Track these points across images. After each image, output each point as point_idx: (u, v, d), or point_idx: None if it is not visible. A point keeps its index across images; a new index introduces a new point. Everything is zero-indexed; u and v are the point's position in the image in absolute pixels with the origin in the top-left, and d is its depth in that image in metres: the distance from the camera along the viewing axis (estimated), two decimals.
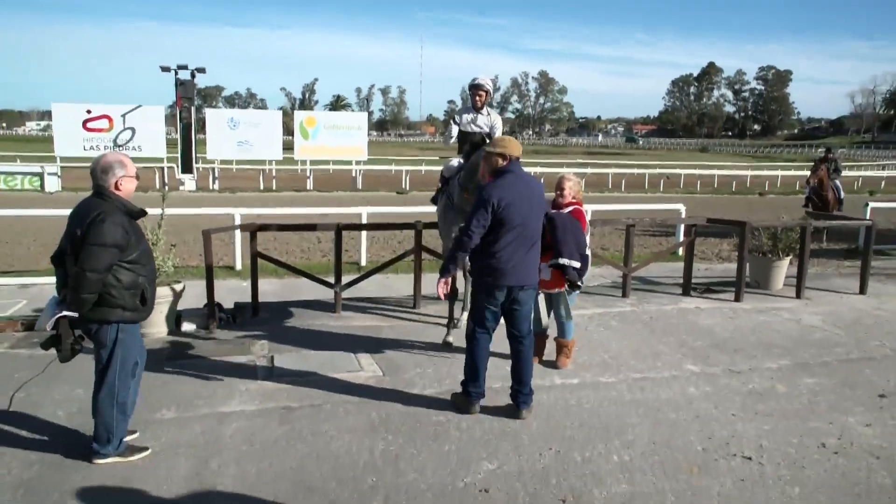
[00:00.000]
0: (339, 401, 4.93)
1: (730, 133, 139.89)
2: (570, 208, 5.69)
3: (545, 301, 5.77)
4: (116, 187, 3.91)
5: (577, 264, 5.34)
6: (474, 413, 4.71)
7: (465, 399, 4.78)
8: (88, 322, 3.88)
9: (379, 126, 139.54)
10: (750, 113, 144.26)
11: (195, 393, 5.04)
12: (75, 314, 3.79)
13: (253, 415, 4.66)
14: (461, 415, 4.72)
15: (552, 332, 5.94)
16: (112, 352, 3.93)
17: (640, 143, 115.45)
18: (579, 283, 5.58)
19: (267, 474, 3.86)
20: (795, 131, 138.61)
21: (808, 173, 16.79)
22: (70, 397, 4.91)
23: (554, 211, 5.54)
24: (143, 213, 4.04)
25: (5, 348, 6.14)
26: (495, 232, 4.48)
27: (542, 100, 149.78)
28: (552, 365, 5.81)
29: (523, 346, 4.74)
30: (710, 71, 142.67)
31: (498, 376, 5.16)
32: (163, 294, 6.51)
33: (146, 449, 4.08)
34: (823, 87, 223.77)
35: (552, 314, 5.88)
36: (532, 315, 4.88)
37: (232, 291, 8.51)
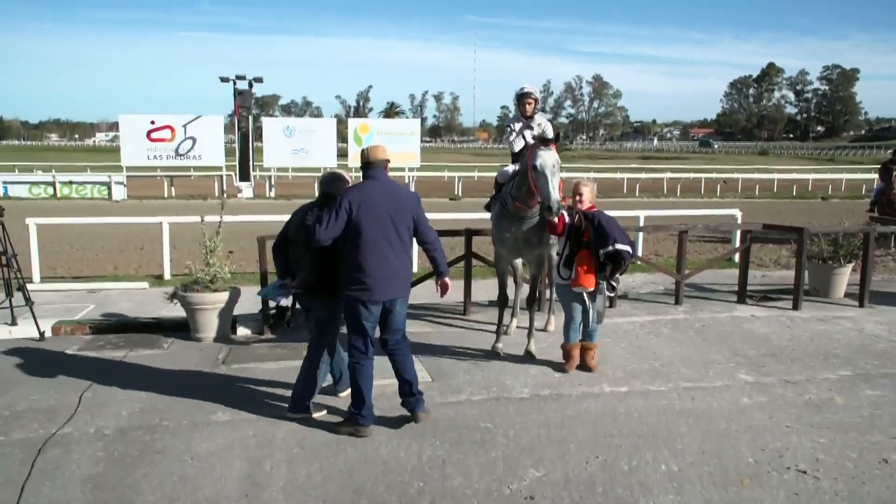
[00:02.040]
0: (386, 406, 4.99)
1: (791, 135, 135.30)
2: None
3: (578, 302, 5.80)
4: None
5: (629, 249, 5.55)
6: (369, 435, 4.50)
7: (356, 426, 4.53)
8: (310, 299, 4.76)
9: (432, 132, 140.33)
10: (813, 114, 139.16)
11: (249, 396, 5.20)
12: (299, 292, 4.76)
13: (304, 419, 4.77)
14: (507, 422, 4.74)
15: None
16: (326, 324, 4.74)
17: (716, 147, 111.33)
18: (614, 283, 5.74)
19: (317, 477, 3.96)
20: (863, 132, 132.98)
21: (875, 176, 16.14)
22: (133, 398, 5.14)
23: (592, 210, 5.71)
24: None
25: (75, 350, 6.45)
26: (356, 241, 4.35)
27: (595, 104, 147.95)
28: (585, 369, 5.84)
29: (398, 353, 4.61)
30: (770, 72, 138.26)
31: (529, 383, 5.15)
32: (220, 299, 6.74)
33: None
34: (894, 83, 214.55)
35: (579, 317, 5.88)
36: (405, 323, 4.70)
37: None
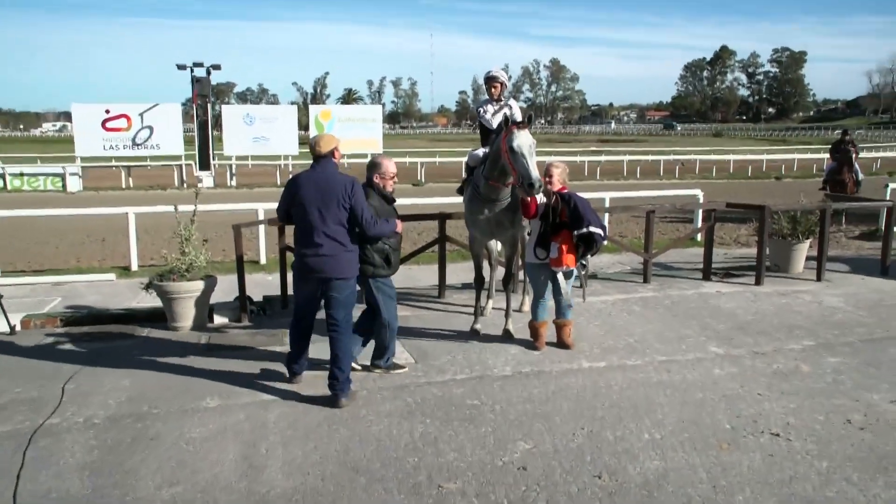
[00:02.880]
0: (374, 387, 5.11)
1: (744, 117, 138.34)
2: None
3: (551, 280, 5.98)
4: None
5: (602, 232, 5.74)
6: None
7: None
8: None
9: (391, 118, 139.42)
10: (764, 96, 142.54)
11: (235, 382, 5.23)
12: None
13: (293, 401, 4.84)
14: (493, 398, 4.89)
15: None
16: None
17: (679, 129, 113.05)
18: (584, 262, 5.94)
19: (313, 456, 4.04)
20: (811, 113, 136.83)
21: (826, 156, 16.72)
22: (117, 387, 5.13)
23: (565, 191, 5.86)
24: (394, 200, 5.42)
25: (50, 343, 6.38)
26: (296, 225, 4.92)
27: (553, 88, 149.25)
28: (562, 346, 6.02)
29: (338, 333, 4.87)
30: (723, 55, 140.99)
31: (511, 361, 5.30)
32: (197, 287, 6.72)
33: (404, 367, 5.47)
34: (839, 66, 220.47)
35: (550, 295, 6.04)
36: (344, 307, 4.92)
37: (258, 285, 8.70)
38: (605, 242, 6.21)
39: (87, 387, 5.16)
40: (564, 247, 5.73)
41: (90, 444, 4.22)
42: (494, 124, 6.69)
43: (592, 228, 5.65)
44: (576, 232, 5.68)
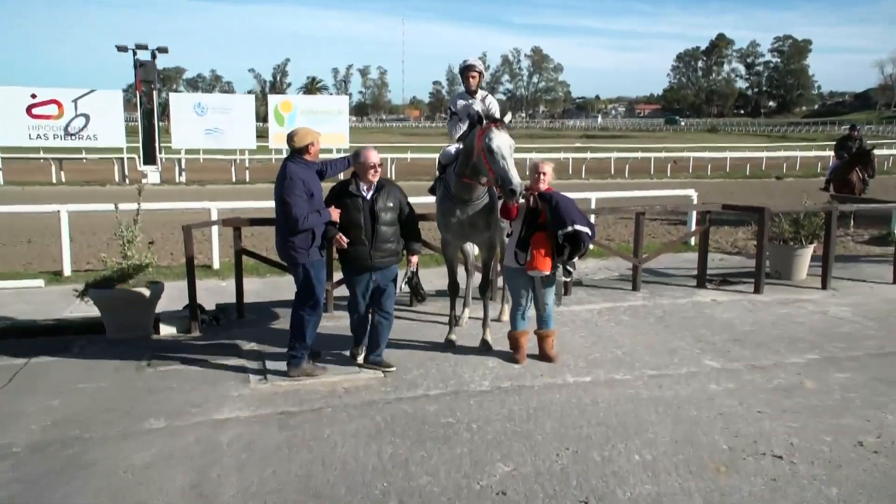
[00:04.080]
0: (339, 404, 5.09)
1: (742, 111, 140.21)
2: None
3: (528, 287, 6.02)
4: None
5: (589, 231, 5.75)
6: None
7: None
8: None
9: (358, 110, 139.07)
10: (764, 88, 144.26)
11: (184, 400, 5.17)
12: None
13: (249, 421, 4.81)
14: (469, 416, 4.90)
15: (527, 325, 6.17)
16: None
17: (683, 124, 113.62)
18: (570, 268, 5.96)
19: (271, 483, 4.01)
20: (816, 107, 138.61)
21: (830, 153, 16.98)
22: (45, 409, 5.03)
23: (549, 191, 5.92)
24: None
25: None
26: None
27: (535, 79, 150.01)
28: (545, 359, 6.06)
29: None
30: (719, 44, 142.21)
31: (489, 375, 5.34)
32: (142, 295, 6.64)
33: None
34: (847, 56, 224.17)
35: (532, 304, 6.08)
36: (296, 288, 5.66)
37: (210, 292, 8.63)
38: (593, 243, 6.26)
39: (6, 409, 5.04)
40: (538, 251, 5.76)
41: (6, 477, 4.10)
42: (456, 133, 6.82)
43: (578, 227, 5.69)
44: (560, 231, 5.72)
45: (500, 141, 5.61)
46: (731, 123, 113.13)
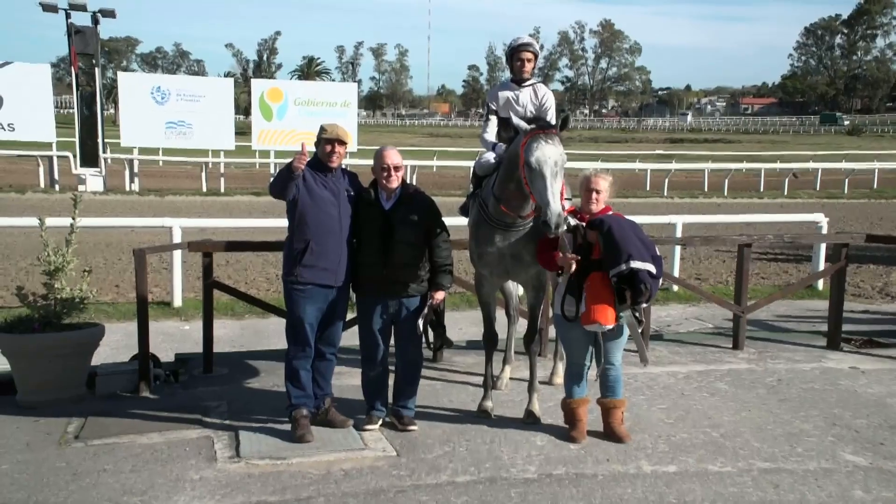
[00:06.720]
0: (336, 493, 5.01)
1: None
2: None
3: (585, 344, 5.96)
4: None
5: (652, 269, 5.60)
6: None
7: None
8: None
9: (370, 102, 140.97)
10: None
11: (122, 487, 5.10)
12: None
13: None
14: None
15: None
16: None
17: (846, 123, 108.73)
18: (637, 315, 5.84)
19: None
20: None
21: None
22: None
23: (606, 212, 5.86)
24: None
25: None
26: None
27: (604, 63, 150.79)
28: (611, 438, 5.96)
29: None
30: (870, 8, 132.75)
31: (536, 458, 5.27)
32: (71, 340, 6.63)
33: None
34: None
35: (593, 364, 6.02)
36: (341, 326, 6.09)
37: (169, 337, 8.69)
38: (663, 285, 6.14)
39: None
40: (594, 297, 5.65)
41: None
42: (489, 136, 6.91)
43: (635, 264, 5.55)
44: (612, 272, 5.59)
45: (542, 154, 5.53)
46: (882, 123, 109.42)
